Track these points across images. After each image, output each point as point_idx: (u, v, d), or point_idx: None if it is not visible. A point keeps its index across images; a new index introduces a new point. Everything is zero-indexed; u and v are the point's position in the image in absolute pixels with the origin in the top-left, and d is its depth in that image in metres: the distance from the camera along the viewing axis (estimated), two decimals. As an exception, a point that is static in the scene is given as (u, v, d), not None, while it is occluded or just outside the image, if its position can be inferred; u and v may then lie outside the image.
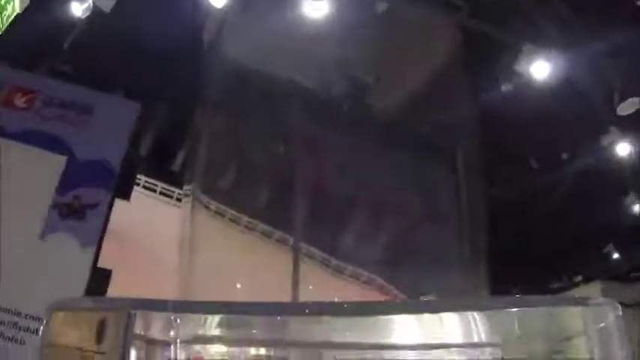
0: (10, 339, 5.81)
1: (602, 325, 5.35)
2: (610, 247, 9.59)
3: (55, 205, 6.62)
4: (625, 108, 7.91)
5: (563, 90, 7.70)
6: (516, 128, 7.96)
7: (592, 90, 7.83)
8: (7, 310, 5.87)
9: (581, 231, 8.77)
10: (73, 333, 4.13)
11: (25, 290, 5.81)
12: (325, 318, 4.64)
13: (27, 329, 5.88)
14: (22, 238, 6.12)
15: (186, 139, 8.59)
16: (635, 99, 7.81)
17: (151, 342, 4.70)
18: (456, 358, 5.43)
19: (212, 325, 4.64)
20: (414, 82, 8.11)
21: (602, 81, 7.75)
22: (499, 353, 5.64)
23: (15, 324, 5.87)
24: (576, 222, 8.66)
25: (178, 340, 4.45)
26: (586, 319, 5.46)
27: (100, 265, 6.91)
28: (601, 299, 4.98)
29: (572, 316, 5.28)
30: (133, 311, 3.85)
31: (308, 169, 8.42)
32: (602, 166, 8.35)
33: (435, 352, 5.29)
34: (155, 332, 4.57)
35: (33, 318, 5.85)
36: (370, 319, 4.76)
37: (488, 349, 5.64)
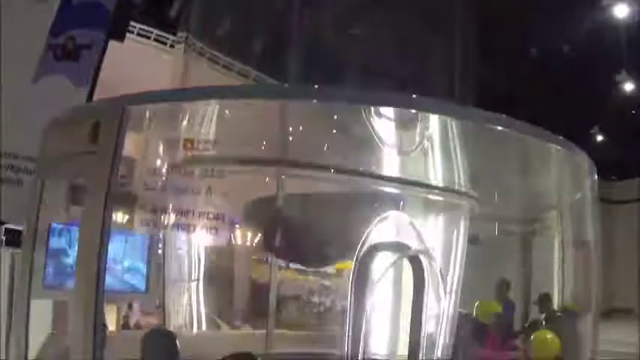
0: (8, 181, 6.02)
1: (578, 195, 5.58)
2: (595, 129, 9.55)
3: (49, 47, 6.58)
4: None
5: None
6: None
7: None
8: (3, 154, 6.02)
9: (571, 112, 8.77)
10: (68, 141, 4.23)
11: (21, 133, 5.90)
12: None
13: (24, 170, 6.05)
14: (16, 82, 6.12)
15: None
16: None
17: (144, 138, 4.79)
18: (437, 198, 5.67)
19: (206, 119, 4.67)
20: None
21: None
22: (477, 207, 5.93)
23: (11, 166, 6.04)
24: (564, 99, 8.65)
25: (173, 135, 4.55)
26: (562, 184, 5.68)
27: (93, 106, 6.98)
28: (580, 155, 5.09)
29: (549, 174, 5.45)
30: (127, 106, 3.86)
31: (304, 19, 8.29)
32: (597, 38, 8.22)
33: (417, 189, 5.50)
34: (151, 129, 4.67)
35: (30, 159, 5.99)
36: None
37: (466, 203, 5.90)
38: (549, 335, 5.54)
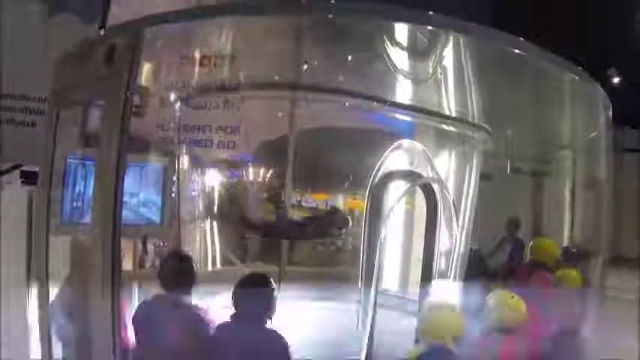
0: (22, 123, 6.06)
1: (591, 135, 5.52)
2: (612, 70, 9.22)
3: (55, -14, 6.53)
4: None
5: None
6: None
7: None
8: (16, 97, 6.05)
9: (585, 46, 8.53)
10: (82, 69, 4.25)
11: (32, 75, 5.89)
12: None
13: (37, 111, 6.09)
14: (24, 23, 6.11)
15: None
16: None
17: (159, 60, 4.75)
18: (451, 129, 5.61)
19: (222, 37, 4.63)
20: None
21: None
22: (490, 142, 5.87)
23: (25, 108, 6.08)
24: (581, 35, 8.41)
25: (187, 52, 4.51)
26: (575, 120, 5.60)
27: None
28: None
29: (563, 107, 5.36)
30: (142, 28, 3.83)
31: None
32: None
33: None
34: (165, 52, 4.65)
35: (42, 100, 6.01)
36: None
37: (479, 135, 5.84)
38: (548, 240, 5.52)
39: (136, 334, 3.77)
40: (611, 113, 5.19)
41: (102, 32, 6.15)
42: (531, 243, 5.60)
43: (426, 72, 4.74)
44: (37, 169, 4.74)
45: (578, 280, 5.02)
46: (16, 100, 6.05)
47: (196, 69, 4.43)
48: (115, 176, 3.59)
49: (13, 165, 6.01)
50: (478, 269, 5.71)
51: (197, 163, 5.30)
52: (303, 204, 6.69)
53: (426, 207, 5.04)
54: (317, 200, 6.82)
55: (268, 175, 6.07)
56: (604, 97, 4.99)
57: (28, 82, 5.99)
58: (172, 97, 4.71)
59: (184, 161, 5.12)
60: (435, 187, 4.92)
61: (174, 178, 5.13)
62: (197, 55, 4.34)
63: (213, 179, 5.50)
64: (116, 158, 3.60)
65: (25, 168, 6.04)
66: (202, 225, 5.60)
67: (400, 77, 4.85)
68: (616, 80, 9.44)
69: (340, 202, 6.59)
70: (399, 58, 4.52)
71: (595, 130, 5.33)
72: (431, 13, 3.83)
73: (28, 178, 5.72)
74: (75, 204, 4.38)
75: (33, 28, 6.27)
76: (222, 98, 4.52)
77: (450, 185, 5.33)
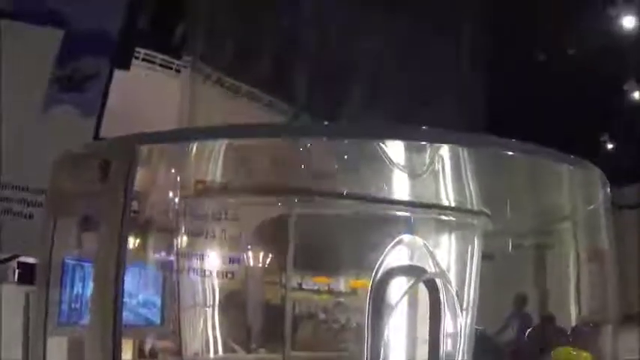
0: (19, 214, 6.03)
1: (591, 207, 5.52)
2: (606, 136, 9.55)
3: (55, 79, 6.62)
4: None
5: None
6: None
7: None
8: (14, 187, 6.04)
9: (578, 118, 8.75)
10: (78, 179, 4.19)
11: (30, 165, 5.92)
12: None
13: (34, 203, 6.06)
14: (23, 115, 6.17)
15: (186, 7, 8.40)
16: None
17: (155, 177, 4.77)
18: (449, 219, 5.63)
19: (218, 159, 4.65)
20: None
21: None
22: (490, 224, 5.87)
23: (23, 200, 6.06)
24: (573, 108, 8.63)
25: (181, 173, 4.53)
26: (575, 198, 5.62)
27: (101, 135, 7.02)
28: (593, 169, 5.04)
29: (561, 190, 5.40)
30: (137, 146, 3.77)
31: (309, 39, 8.31)
32: (606, 46, 8.22)
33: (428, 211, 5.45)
34: (160, 167, 4.65)
35: (40, 191, 6.01)
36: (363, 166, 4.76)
37: (478, 221, 5.85)
38: (574, 351, 5.39)
39: None
40: (608, 188, 5.21)
41: (97, 141, 6.20)
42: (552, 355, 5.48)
43: (422, 167, 4.79)
44: (33, 260, 4.70)
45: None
46: (14, 191, 6.04)
47: (192, 192, 4.49)
48: (115, 279, 3.56)
49: (9, 256, 5.98)
50: (485, 349, 5.61)
51: (196, 270, 5.29)
52: (304, 287, 6.62)
53: (429, 298, 4.98)
54: (318, 283, 6.76)
55: (268, 260, 6.02)
56: (602, 176, 5.02)
57: (26, 174, 6.01)
58: (169, 217, 4.75)
59: (184, 261, 5.10)
60: (438, 280, 4.88)
61: (175, 277, 5.11)
62: (192, 178, 4.42)
63: (214, 275, 5.47)
64: (115, 262, 3.58)
65: (22, 259, 6.02)
66: (203, 315, 5.53)
67: (397, 173, 4.89)
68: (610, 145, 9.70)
69: (342, 285, 6.54)
70: (396, 156, 4.59)
71: (594, 203, 5.34)
72: (424, 128, 3.93)
73: (25, 269, 5.68)
74: (73, 305, 4.33)
75: (31, 119, 6.33)
76: (220, 225, 4.55)
77: (452, 271, 5.27)
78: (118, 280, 3.54)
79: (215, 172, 4.30)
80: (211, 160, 4.34)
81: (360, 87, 8.85)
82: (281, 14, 8.40)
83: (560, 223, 6.00)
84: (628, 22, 8.23)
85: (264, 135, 4.17)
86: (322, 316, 7.21)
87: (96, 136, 6.86)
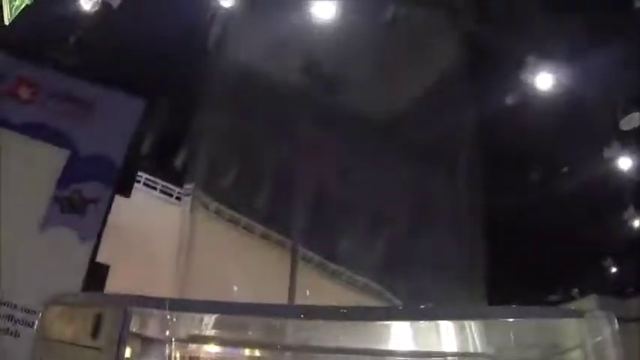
0: (5, 331, 5.82)
1: (598, 338, 5.35)
2: (609, 261, 9.59)
3: (55, 199, 6.63)
4: (628, 122, 7.93)
5: (566, 102, 7.70)
6: (518, 139, 7.95)
7: (595, 104, 7.84)
8: (3, 303, 5.87)
9: (580, 244, 8.75)
10: (68, 328, 4.13)
11: (23, 283, 5.82)
12: (320, 322, 4.64)
13: (23, 322, 5.88)
14: (21, 231, 6.12)
15: (189, 137, 8.57)
16: (637, 114, 7.83)
17: (146, 339, 4.70)
18: None
19: (208, 325, 4.64)
20: (416, 88, 8.12)
21: (605, 95, 7.76)
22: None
23: (10, 317, 5.87)
24: (575, 235, 8.64)
25: (174, 339, 4.45)
26: (582, 331, 5.47)
27: (98, 260, 6.93)
28: (597, 312, 4.98)
29: (569, 329, 5.29)
30: (129, 308, 3.86)
31: (308, 173, 8.40)
32: (604, 180, 8.35)
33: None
34: (151, 330, 4.56)
35: (29, 311, 5.86)
36: (366, 325, 4.75)
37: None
38: None
39: None
40: (616, 324, 5.11)
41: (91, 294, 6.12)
42: None
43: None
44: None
45: None
46: (2, 307, 5.86)
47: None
48: None
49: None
50: None
51: None
52: None
53: None
54: None
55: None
56: (607, 317, 4.99)
57: (18, 291, 5.86)
58: None
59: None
60: None
61: None
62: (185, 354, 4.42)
63: None
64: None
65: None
66: None
67: (398, 326, 4.89)
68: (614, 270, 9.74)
69: None
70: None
71: (601, 337, 5.20)
72: (424, 307, 4.05)
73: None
74: None
75: (27, 238, 6.26)
76: None
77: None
78: None
79: (207, 342, 4.30)
80: (203, 330, 4.33)
81: (358, 224, 8.85)
82: (280, 148, 8.56)
83: (569, 353, 5.80)
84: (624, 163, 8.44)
85: (256, 314, 4.21)
86: None
87: (92, 261, 6.77)
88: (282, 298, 7.82)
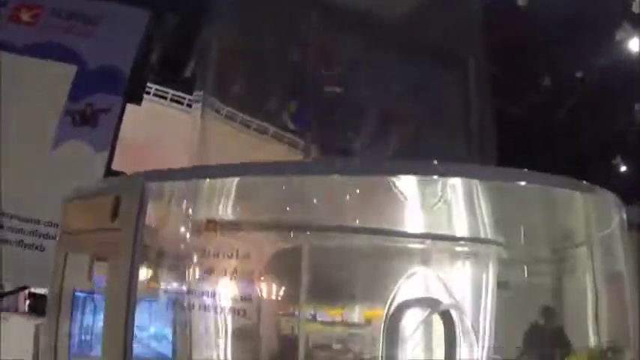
0: (31, 246, 6.05)
1: (606, 231, 5.47)
2: (618, 159, 9.53)
3: (67, 113, 6.70)
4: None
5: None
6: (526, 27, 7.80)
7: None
8: (26, 220, 6.07)
9: (589, 142, 8.73)
10: (89, 217, 4.21)
11: (42, 198, 5.95)
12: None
13: (46, 236, 6.07)
14: (35, 149, 6.23)
15: (197, 44, 8.50)
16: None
17: (166, 215, 4.79)
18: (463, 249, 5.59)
19: (229, 197, 4.67)
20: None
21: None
22: (504, 253, 5.82)
23: (35, 231, 6.08)
24: (583, 132, 8.61)
25: (192, 211, 4.54)
26: (589, 223, 5.58)
27: (113, 168, 7.06)
28: (607, 193, 5.00)
29: (576, 216, 5.36)
30: (147, 183, 3.90)
31: (319, 74, 8.36)
32: (615, 68, 8.21)
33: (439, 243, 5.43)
34: (170, 205, 4.66)
35: (51, 224, 6.03)
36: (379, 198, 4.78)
37: (492, 250, 5.81)
38: None
39: None
40: (624, 212, 5.17)
41: (107, 178, 6.24)
42: None
43: (434, 196, 4.80)
44: (43, 291, 4.69)
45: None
46: (25, 223, 6.07)
47: (202, 231, 4.50)
48: (126, 311, 3.55)
49: (19, 287, 5.98)
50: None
51: (207, 306, 5.27)
52: (318, 318, 6.55)
53: (444, 330, 4.93)
54: (332, 316, 6.69)
55: (281, 293, 5.97)
56: (616, 200, 4.99)
57: (38, 206, 6.04)
58: (178, 256, 4.77)
59: (195, 298, 5.07)
60: (453, 311, 4.85)
61: (186, 311, 5.08)
62: (203, 217, 4.44)
63: (225, 305, 5.42)
64: (126, 294, 3.58)
65: (32, 290, 6.01)
66: (216, 349, 5.47)
67: (409, 205, 4.90)
68: (623, 169, 9.65)
69: (356, 315, 6.46)
70: (408, 188, 4.59)
71: (609, 228, 5.30)
72: (435, 162, 3.95)
73: (36, 300, 5.67)
74: (83, 337, 4.30)
75: (43, 153, 6.38)
76: (231, 264, 4.56)
77: (467, 302, 5.21)
78: (129, 313, 3.52)
79: (226, 209, 4.29)
80: (222, 198, 4.34)
81: (370, 120, 8.86)
82: (291, 49, 8.48)
83: (575, 248, 5.94)
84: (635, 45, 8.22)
85: (275, 173, 4.19)
86: (337, 346, 7.13)
87: (108, 171, 6.90)
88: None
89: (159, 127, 8.94)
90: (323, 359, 6.57)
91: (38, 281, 5.59)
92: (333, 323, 6.73)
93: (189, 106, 9.39)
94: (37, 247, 6.04)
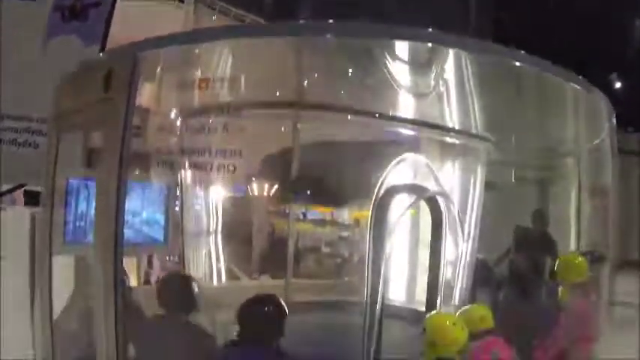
0: (24, 144, 6.06)
1: (595, 142, 5.50)
2: (614, 76, 9.34)
3: (56, 9, 6.54)
4: None
5: None
6: None
7: None
8: (18, 118, 6.05)
9: (584, 55, 8.57)
10: (81, 94, 4.29)
11: (34, 96, 5.91)
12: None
13: (39, 132, 6.07)
14: (25, 45, 6.13)
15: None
16: None
17: (159, 81, 4.79)
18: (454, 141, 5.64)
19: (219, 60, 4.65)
20: None
21: None
22: (493, 152, 5.88)
23: (28, 129, 6.08)
24: (582, 42, 8.46)
25: (185, 76, 4.56)
26: (579, 130, 5.61)
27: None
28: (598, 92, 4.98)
29: (566, 120, 5.37)
30: (138, 53, 3.87)
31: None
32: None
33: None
34: (162, 72, 4.68)
35: (44, 121, 6.02)
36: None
37: (482, 146, 5.85)
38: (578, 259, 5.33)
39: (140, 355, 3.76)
40: (615, 120, 5.18)
41: (100, 55, 6.15)
42: (557, 262, 5.43)
43: (427, 85, 4.76)
44: (40, 189, 4.76)
45: (583, 267, 5.04)
46: (18, 121, 6.05)
47: (195, 92, 4.45)
48: (117, 196, 3.61)
49: (16, 185, 6.03)
50: (484, 278, 5.68)
51: (199, 183, 5.31)
52: (309, 216, 6.70)
53: (431, 217, 5.03)
54: (322, 213, 6.84)
55: (273, 189, 6.07)
56: (607, 104, 4.98)
57: (30, 103, 6.00)
58: (172, 119, 4.73)
59: (187, 178, 5.13)
60: (440, 199, 4.92)
61: (178, 196, 5.13)
62: (195, 78, 4.35)
63: (217, 196, 5.50)
64: (117, 178, 3.62)
65: (28, 188, 6.07)
66: (207, 240, 5.60)
67: (402, 91, 4.87)
68: (617, 85, 9.49)
69: (346, 214, 6.59)
70: (400, 72, 4.53)
71: (599, 137, 5.32)
72: (430, 30, 3.84)
73: (32, 198, 5.74)
74: (78, 224, 4.39)
75: (33, 50, 6.28)
76: (222, 120, 4.53)
77: (455, 196, 5.32)
78: (121, 195, 3.60)
79: (217, 72, 4.26)
80: (213, 62, 4.31)
81: (365, 14, 8.71)
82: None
83: (563, 157, 6.00)
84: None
85: (267, 33, 4.10)
86: (325, 248, 7.32)
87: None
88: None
89: (151, 23, 8.77)
90: (311, 261, 6.78)
91: (34, 179, 5.64)
92: (323, 223, 6.90)
93: (182, 1, 9.23)
94: (30, 145, 6.06)
